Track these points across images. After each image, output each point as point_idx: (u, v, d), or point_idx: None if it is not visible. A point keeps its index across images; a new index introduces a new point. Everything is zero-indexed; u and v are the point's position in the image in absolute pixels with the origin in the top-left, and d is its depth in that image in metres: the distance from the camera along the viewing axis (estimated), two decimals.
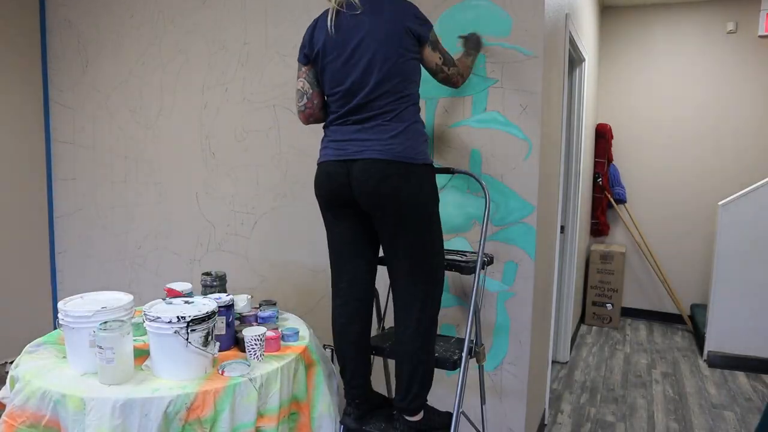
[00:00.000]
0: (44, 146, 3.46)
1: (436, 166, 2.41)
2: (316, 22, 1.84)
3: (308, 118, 1.91)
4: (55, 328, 2.23)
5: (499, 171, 2.32)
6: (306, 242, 2.74)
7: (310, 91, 1.86)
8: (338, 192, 1.80)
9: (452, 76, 1.92)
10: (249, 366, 1.72)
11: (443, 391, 2.52)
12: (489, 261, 2.17)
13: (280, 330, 1.95)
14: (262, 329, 1.83)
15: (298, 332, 2.00)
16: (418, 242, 1.79)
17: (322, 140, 1.88)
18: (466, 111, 2.35)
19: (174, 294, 1.98)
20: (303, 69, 1.87)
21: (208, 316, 1.68)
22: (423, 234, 1.79)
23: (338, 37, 1.75)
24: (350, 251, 1.90)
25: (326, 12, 1.80)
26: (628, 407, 3.26)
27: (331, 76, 1.79)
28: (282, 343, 1.93)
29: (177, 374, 1.64)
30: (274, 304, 2.13)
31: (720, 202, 4.15)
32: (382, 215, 1.76)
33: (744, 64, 4.59)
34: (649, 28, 4.86)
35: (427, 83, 2.41)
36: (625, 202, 5.02)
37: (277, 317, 2.08)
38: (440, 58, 1.85)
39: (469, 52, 2.14)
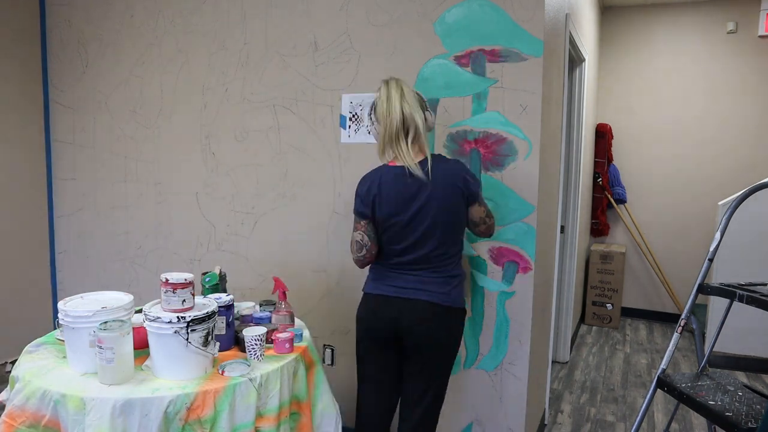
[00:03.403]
0: (44, 146, 3.46)
1: None
2: (374, 179, 1.93)
3: (364, 266, 2.03)
4: (55, 328, 2.23)
5: (499, 171, 2.32)
6: (306, 242, 2.74)
7: (369, 243, 1.95)
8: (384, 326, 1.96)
9: (492, 227, 2.03)
10: (249, 366, 1.72)
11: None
12: None
13: (292, 331, 1.95)
14: (262, 329, 1.83)
15: (302, 333, 2.00)
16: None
17: (374, 274, 2.02)
18: (466, 111, 2.35)
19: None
20: (362, 222, 1.95)
21: (208, 316, 1.68)
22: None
23: (399, 200, 1.88)
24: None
25: (382, 172, 1.92)
26: (628, 407, 3.26)
27: (392, 235, 1.92)
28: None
29: (177, 374, 1.64)
30: (274, 303, 2.13)
31: (720, 202, 4.15)
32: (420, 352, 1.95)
33: (744, 64, 4.59)
34: (649, 28, 4.86)
35: (427, 82, 2.41)
36: (625, 202, 5.02)
37: None
38: (484, 211, 1.98)
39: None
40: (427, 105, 2.00)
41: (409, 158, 1.86)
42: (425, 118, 1.95)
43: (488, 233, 2.05)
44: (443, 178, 1.87)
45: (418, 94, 1.97)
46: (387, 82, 1.92)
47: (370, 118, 1.97)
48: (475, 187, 1.93)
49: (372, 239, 1.94)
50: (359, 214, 1.95)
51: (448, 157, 2.01)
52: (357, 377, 2.08)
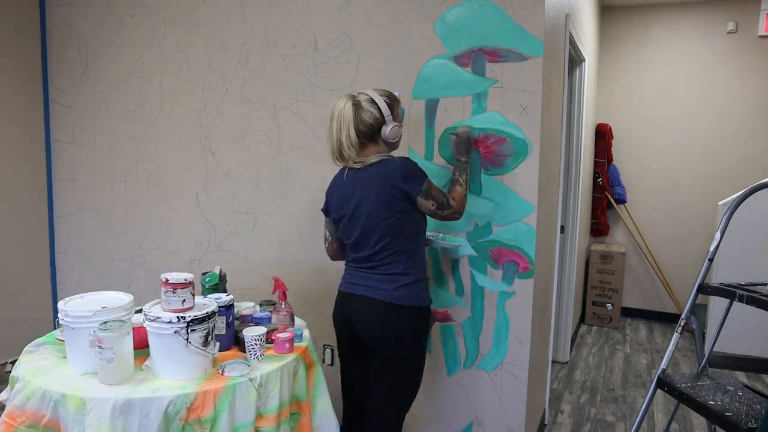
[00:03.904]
0: (44, 146, 3.46)
1: (436, 167, 2.41)
2: (334, 180, 2.08)
3: (332, 258, 2.21)
4: (55, 328, 2.23)
5: (499, 171, 2.32)
6: (306, 242, 2.74)
7: (330, 238, 2.15)
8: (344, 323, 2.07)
9: (447, 217, 2.00)
10: (249, 366, 1.72)
11: (442, 393, 2.52)
12: None
13: (292, 330, 1.95)
14: (262, 329, 1.83)
15: (302, 333, 2.00)
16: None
17: (344, 271, 2.12)
18: (466, 111, 2.35)
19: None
20: (326, 219, 2.15)
21: (208, 316, 1.68)
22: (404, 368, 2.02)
23: (341, 201, 2.00)
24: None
25: (339, 173, 2.05)
26: (628, 407, 3.26)
27: (341, 231, 2.05)
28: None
29: (177, 374, 1.64)
30: (274, 304, 2.13)
31: (720, 202, 4.15)
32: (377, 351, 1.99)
33: (744, 64, 4.59)
34: (649, 28, 4.86)
35: (427, 82, 2.41)
36: (625, 202, 5.02)
37: None
38: (433, 204, 1.94)
39: (461, 165, 2.09)
40: (387, 118, 1.93)
41: (350, 162, 1.96)
42: (377, 132, 1.94)
43: (451, 219, 2.01)
44: (376, 179, 1.90)
45: (380, 108, 1.92)
46: (335, 102, 1.95)
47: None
48: (411, 185, 1.89)
49: (332, 234, 2.13)
50: (323, 210, 2.14)
51: (403, 157, 1.95)
52: None
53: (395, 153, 2.03)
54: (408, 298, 1.92)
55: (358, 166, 1.95)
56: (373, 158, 1.94)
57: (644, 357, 4.11)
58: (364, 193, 1.92)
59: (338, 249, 2.14)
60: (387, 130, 1.94)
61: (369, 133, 1.94)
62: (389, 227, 1.90)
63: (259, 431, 1.67)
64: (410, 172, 1.90)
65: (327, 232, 2.15)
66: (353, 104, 1.92)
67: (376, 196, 1.89)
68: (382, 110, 1.93)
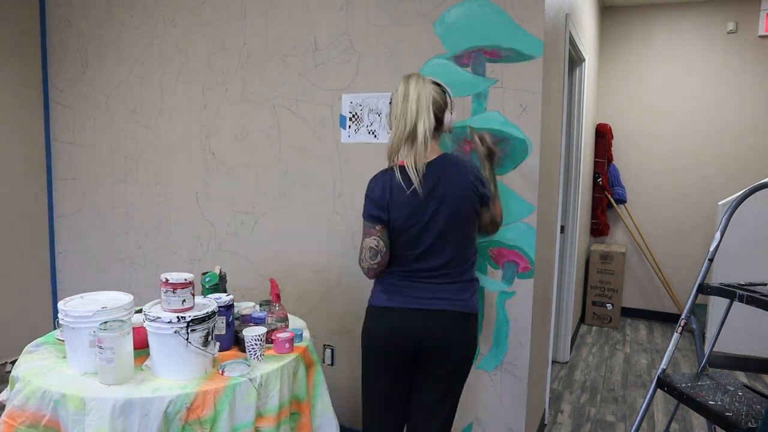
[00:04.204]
0: (44, 146, 3.46)
1: None
2: (385, 181, 1.79)
3: (376, 274, 1.86)
4: (55, 328, 2.23)
5: (499, 171, 2.32)
6: (306, 242, 2.74)
7: (384, 250, 1.79)
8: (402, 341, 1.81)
9: (490, 232, 1.99)
10: (249, 366, 1.72)
11: None
12: None
13: (292, 330, 1.95)
14: (262, 329, 1.83)
15: (302, 333, 2.00)
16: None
17: (384, 285, 1.86)
18: (466, 111, 2.35)
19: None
20: (377, 227, 1.79)
21: (208, 316, 1.68)
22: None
23: (414, 203, 1.75)
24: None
25: (392, 174, 1.78)
26: (628, 407, 3.26)
27: (406, 241, 1.79)
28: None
29: (177, 374, 1.64)
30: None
31: (720, 202, 4.15)
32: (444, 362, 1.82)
33: (744, 64, 4.59)
34: (649, 28, 4.86)
35: None
36: (625, 202, 5.02)
37: None
38: (489, 217, 1.91)
39: (492, 178, 2.06)
40: (451, 105, 1.83)
41: (418, 158, 1.72)
42: (441, 121, 1.81)
43: (492, 233, 2.02)
44: (456, 177, 1.76)
45: (444, 92, 1.82)
46: (407, 79, 1.74)
47: (387, 118, 1.91)
48: (485, 190, 1.84)
49: (387, 245, 1.79)
50: (374, 218, 1.79)
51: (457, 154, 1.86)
52: (362, 398, 1.97)
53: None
54: (476, 305, 1.85)
55: (431, 158, 1.74)
56: (433, 155, 1.77)
57: (644, 357, 4.11)
58: (445, 193, 1.74)
59: (387, 262, 1.82)
60: (449, 117, 1.77)
61: (439, 120, 1.76)
62: (470, 232, 1.81)
63: (259, 431, 1.67)
64: (483, 176, 1.84)
65: (380, 243, 1.77)
66: (431, 82, 1.69)
67: (462, 199, 1.75)
68: (448, 92, 1.77)
